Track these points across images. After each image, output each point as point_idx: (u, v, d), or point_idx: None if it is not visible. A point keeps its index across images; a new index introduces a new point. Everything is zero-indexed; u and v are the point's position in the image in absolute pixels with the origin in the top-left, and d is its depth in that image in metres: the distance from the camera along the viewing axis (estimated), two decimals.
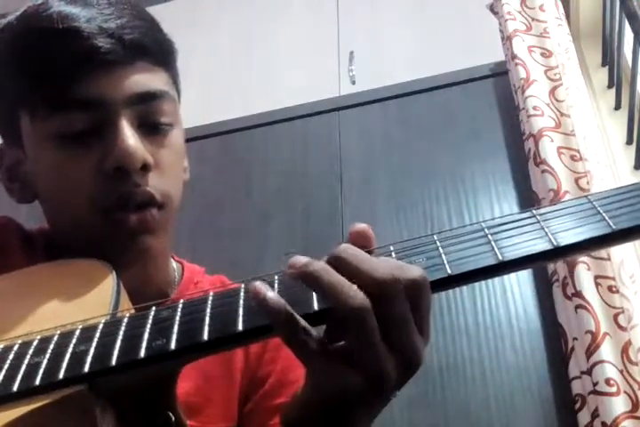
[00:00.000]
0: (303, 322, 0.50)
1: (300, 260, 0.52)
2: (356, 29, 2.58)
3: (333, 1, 2.69)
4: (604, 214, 0.52)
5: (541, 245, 0.52)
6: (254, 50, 2.69)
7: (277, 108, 2.37)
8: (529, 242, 0.52)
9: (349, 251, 0.52)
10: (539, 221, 0.54)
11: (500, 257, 0.52)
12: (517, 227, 0.54)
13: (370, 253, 0.54)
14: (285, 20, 2.73)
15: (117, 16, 0.73)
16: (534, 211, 0.55)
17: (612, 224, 0.52)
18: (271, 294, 0.50)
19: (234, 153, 2.29)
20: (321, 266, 0.51)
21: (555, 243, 0.52)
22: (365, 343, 0.50)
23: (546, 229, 0.53)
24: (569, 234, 0.52)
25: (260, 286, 0.51)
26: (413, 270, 0.51)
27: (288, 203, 2.12)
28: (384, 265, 0.51)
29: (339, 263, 0.51)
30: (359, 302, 0.49)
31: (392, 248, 0.55)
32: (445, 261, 0.52)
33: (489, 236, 0.54)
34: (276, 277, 0.54)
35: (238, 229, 2.11)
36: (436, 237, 0.55)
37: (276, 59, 2.62)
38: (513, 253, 0.52)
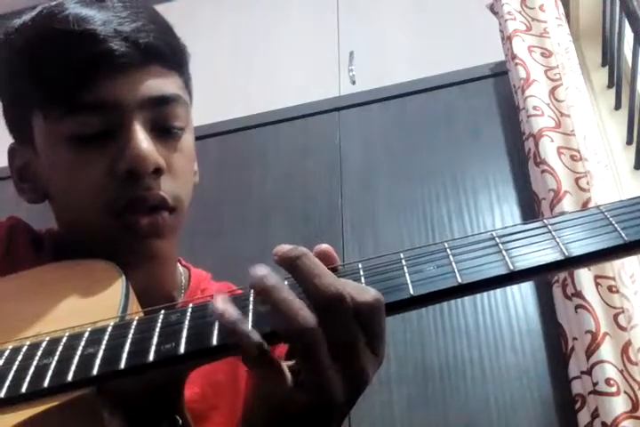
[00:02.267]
0: (257, 338, 0.49)
1: (259, 271, 0.51)
2: (356, 29, 2.58)
3: (333, 1, 2.69)
4: (615, 225, 0.52)
5: (553, 256, 0.52)
6: (254, 50, 2.69)
7: (277, 107, 2.36)
8: (540, 252, 0.52)
9: (307, 262, 0.51)
10: (550, 231, 0.53)
11: (512, 266, 0.51)
12: (529, 236, 0.54)
13: (334, 270, 0.54)
14: (285, 20, 2.73)
15: (133, 19, 0.73)
16: (545, 220, 0.55)
17: (624, 235, 0.51)
18: (230, 310, 0.50)
19: (234, 153, 2.29)
20: (275, 282, 0.50)
21: (566, 253, 0.51)
22: (314, 366, 0.49)
23: (557, 240, 0.52)
24: (581, 244, 0.52)
25: (221, 300, 0.51)
26: (367, 292, 0.51)
27: (288, 203, 2.12)
28: (338, 283, 0.50)
29: (293, 272, 0.51)
30: (306, 323, 0.49)
31: (402, 255, 0.55)
32: (456, 270, 0.52)
33: (500, 245, 0.53)
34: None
35: (238, 229, 2.11)
36: (446, 244, 0.55)
37: (276, 59, 2.61)
38: (524, 262, 0.52)
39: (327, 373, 0.49)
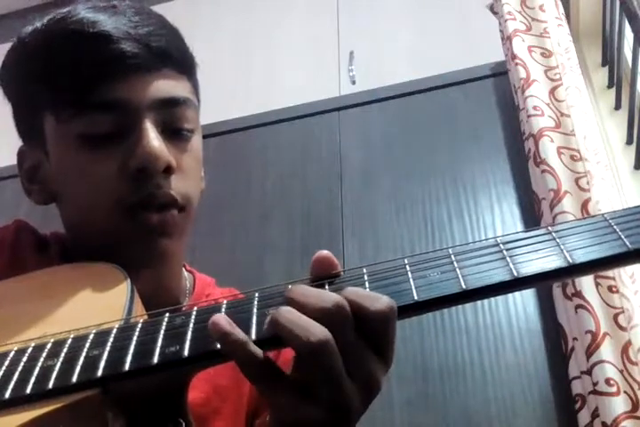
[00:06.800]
0: (253, 347, 0.49)
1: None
2: (355, 29, 2.58)
3: (333, 1, 2.69)
4: (620, 233, 0.52)
5: (557, 262, 0.52)
6: (255, 50, 2.69)
7: (277, 107, 2.37)
8: (544, 259, 0.52)
9: (295, 290, 0.52)
10: (554, 238, 0.53)
11: (515, 273, 0.51)
12: (533, 243, 0.54)
13: (337, 275, 0.55)
14: (285, 20, 2.73)
15: (144, 24, 0.75)
16: (550, 227, 0.55)
17: (628, 243, 0.51)
18: (235, 330, 0.50)
19: (234, 153, 2.29)
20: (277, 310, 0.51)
21: (570, 260, 0.51)
22: (329, 376, 0.49)
23: (561, 247, 0.52)
24: (585, 252, 0.52)
25: (220, 319, 0.50)
26: (379, 300, 0.50)
27: (288, 203, 2.12)
28: (330, 295, 0.50)
29: (292, 304, 0.51)
30: (319, 336, 0.48)
31: (406, 261, 0.55)
32: (460, 275, 0.52)
33: (504, 251, 0.53)
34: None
35: (238, 229, 2.11)
36: (450, 251, 0.55)
37: (277, 59, 2.62)
38: (528, 269, 0.52)
39: (343, 382, 0.49)
